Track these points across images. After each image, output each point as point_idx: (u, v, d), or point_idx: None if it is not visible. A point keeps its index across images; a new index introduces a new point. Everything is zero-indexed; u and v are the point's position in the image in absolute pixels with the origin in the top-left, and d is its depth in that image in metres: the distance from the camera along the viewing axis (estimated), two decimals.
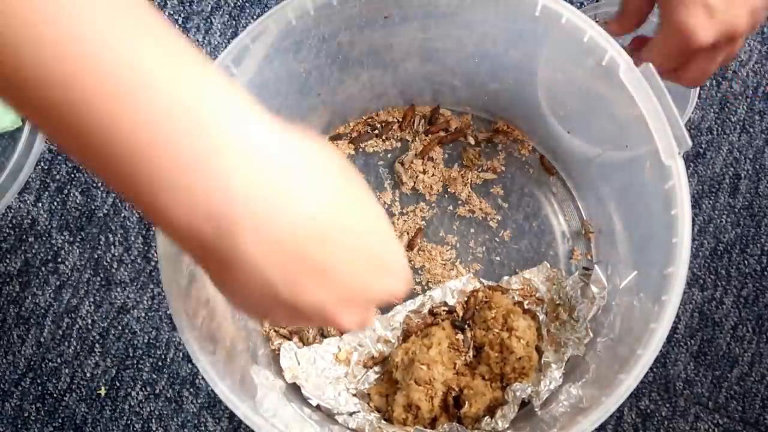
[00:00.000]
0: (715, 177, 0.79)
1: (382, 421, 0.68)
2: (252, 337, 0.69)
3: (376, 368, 0.72)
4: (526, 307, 0.72)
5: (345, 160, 0.39)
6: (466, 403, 0.67)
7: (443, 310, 0.72)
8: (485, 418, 0.67)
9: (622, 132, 0.62)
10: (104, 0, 0.30)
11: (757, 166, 0.80)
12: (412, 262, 0.75)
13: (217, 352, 0.57)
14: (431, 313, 0.72)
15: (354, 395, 0.70)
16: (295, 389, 0.69)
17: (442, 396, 0.68)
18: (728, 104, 0.81)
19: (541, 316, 0.71)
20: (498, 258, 0.75)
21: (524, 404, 0.68)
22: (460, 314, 0.72)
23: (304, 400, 0.68)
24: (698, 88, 0.74)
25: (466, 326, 0.71)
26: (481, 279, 0.73)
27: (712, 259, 0.78)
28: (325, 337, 0.73)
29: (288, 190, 0.35)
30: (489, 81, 0.73)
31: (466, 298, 0.72)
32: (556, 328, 0.71)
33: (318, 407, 0.69)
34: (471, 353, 0.70)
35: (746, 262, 0.78)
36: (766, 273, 0.78)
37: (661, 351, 0.75)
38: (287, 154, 0.35)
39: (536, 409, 0.66)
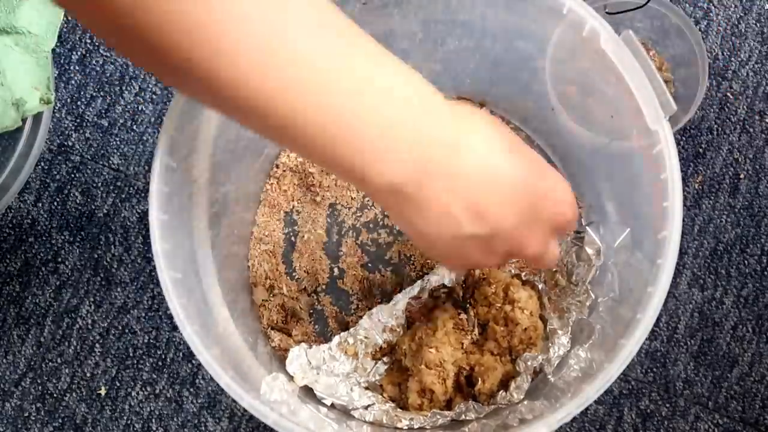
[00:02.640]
0: (715, 177, 0.79)
1: (398, 410, 0.68)
2: (252, 335, 0.69)
3: (385, 359, 0.72)
4: (524, 278, 0.72)
5: (502, 128, 0.50)
6: (479, 380, 0.67)
7: (443, 292, 0.72)
8: (500, 392, 0.67)
9: (610, 105, 0.62)
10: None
11: (757, 166, 0.80)
12: (404, 250, 0.76)
13: (218, 347, 0.57)
14: (431, 296, 0.72)
15: (366, 389, 0.71)
16: (307, 391, 0.69)
17: (454, 377, 0.68)
18: (728, 104, 0.81)
19: (540, 285, 0.72)
20: None
21: (536, 374, 0.68)
22: (460, 294, 0.72)
23: (319, 401, 0.68)
24: (704, 88, 0.74)
25: (468, 305, 0.71)
26: None
27: (712, 259, 0.78)
28: (327, 337, 0.73)
29: (464, 147, 0.46)
30: (471, 61, 0.74)
31: (463, 278, 0.73)
32: (557, 294, 0.71)
33: (333, 406, 0.69)
34: (477, 331, 0.70)
35: (746, 262, 0.78)
36: (766, 273, 0.78)
37: (660, 351, 0.76)
38: (460, 125, 0.46)
39: (549, 376, 0.66)
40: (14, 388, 0.77)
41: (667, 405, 0.76)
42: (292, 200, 0.77)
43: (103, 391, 0.77)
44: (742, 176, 0.79)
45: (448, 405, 0.68)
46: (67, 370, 0.77)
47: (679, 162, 0.78)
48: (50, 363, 0.78)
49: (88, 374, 0.77)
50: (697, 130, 0.80)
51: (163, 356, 0.77)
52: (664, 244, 0.55)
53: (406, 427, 0.67)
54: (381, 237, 0.77)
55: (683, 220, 0.78)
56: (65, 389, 0.77)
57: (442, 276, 0.73)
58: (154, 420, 0.77)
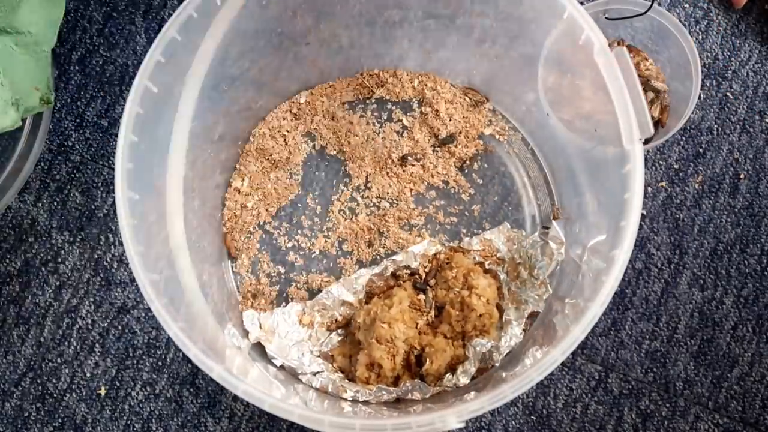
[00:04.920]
0: (715, 177, 0.79)
1: (345, 381, 0.69)
2: (218, 307, 0.70)
3: (340, 331, 0.73)
4: (487, 267, 0.73)
5: None
6: (428, 360, 0.68)
7: (405, 273, 0.73)
8: (447, 375, 0.68)
9: (594, 114, 0.63)
10: None
11: (757, 166, 0.80)
12: (379, 225, 0.77)
13: (187, 319, 0.58)
14: (393, 275, 0.73)
15: (317, 356, 0.71)
16: (259, 350, 0.69)
17: (404, 355, 0.68)
18: (728, 104, 0.81)
19: (502, 276, 0.72)
20: (464, 230, 0.77)
21: (488, 368, 0.69)
22: (423, 277, 0.73)
23: (269, 360, 0.69)
24: (699, 90, 0.74)
25: (427, 287, 0.72)
26: (443, 242, 0.74)
27: (712, 259, 0.78)
28: (288, 302, 0.75)
29: None
30: (472, 61, 0.75)
31: (428, 261, 0.73)
32: (517, 286, 0.72)
33: (282, 367, 0.69)
34: (432, 313, 0.71)
35: (746, 262, 0.78)
36: (766, 273, 0.78)
37: (660, 351, 0.76)
38: None
39: (496, 364, 0.67)
40: (14, 388, 0.77)
41: (667, 405, 0.76)
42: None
43: (103, 391, 0.77)
44: (742, 176, 0.79)
45: (395, 382, 0.69)
46: (67, 370, 0.77)
47: (680, 162, 0.79)
48: (50, 363, 0.78)
49: (88, 374, 0.77)
50: (697, 130, 0.80)
51: (163, 356, 0.77)
52: (612, 264, 0.56)
53: (350, 398, 0.67)
54: (359, 207, 0.78)
55: (683, 220, 0.78)
56: (65, 389, 0.77)
57: (408, 258, 0.73)
58: (154, 420, 0.77)
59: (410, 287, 0.71)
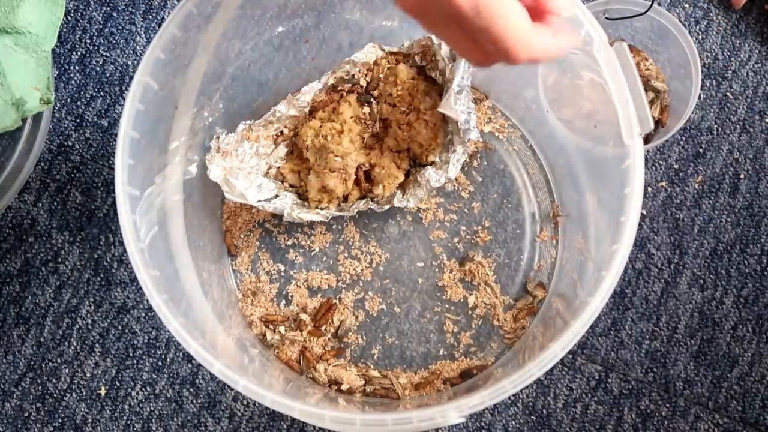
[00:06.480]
0: (715, 177, 0.79)
1: (298, 202, 0.74)
2: (218, 305, 0.71)
3: (285, 143, 0.76)
4: (428, 73, 0.73)
5: None
6: (380, 185, 0.73)
7: (346, 86, 0.74)
8: (397, 195, 0.73)
9: (594, 111, 0.63)
10: None
11: (757, 166, 0.80)
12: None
13: (187, 316, 0.58)
14: (335, 90, 0.74)
15: (265, 176, 0.75)
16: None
17: (354, 173, 0.72)
18: (728, 104, 0.81)
19: (440, 79, 0.73)
20: (464, 228, 0.77)
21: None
22: (364, 86, 0.74)
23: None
24: (699, 90, 0.75)
25: (371, 99, 0.74)
26: (383, 46, 0.74)
27: (712, 259, 0.78)
28: (288, 300, 0.76)
29: None
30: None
31: (368, 70, 0.74)
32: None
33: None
34: (378, 125, 0.74)
35: (746, 262, 0.78)
36: (766, 273, 0.78)
37: (660, 351, 0.76)
38: None
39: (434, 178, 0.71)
40: (14, 388, 0.77)
41: (667, 405, 0.76)
42: None
43: (103, 391, 0.77)
44: (742, 176, 0.79)
45: (345, 198, 0.74)
46: (67, 370, 0.77)
47: (680, 162, 0.79)
48: (50, 363, 0.77)
49: (88, 374, 0.77)
50: (697, 130, 0.80)
51: (163, 356, 0.77)
52: (612, 259, 0.55)
53: (306, 220, 0.73)
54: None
55: (683, 220, 0.78)
56: (65, 389, 0.77)
57: (350, 67, 0.74)
58: (154, 420, 0.77)
59: (354, 100, 0.73)
